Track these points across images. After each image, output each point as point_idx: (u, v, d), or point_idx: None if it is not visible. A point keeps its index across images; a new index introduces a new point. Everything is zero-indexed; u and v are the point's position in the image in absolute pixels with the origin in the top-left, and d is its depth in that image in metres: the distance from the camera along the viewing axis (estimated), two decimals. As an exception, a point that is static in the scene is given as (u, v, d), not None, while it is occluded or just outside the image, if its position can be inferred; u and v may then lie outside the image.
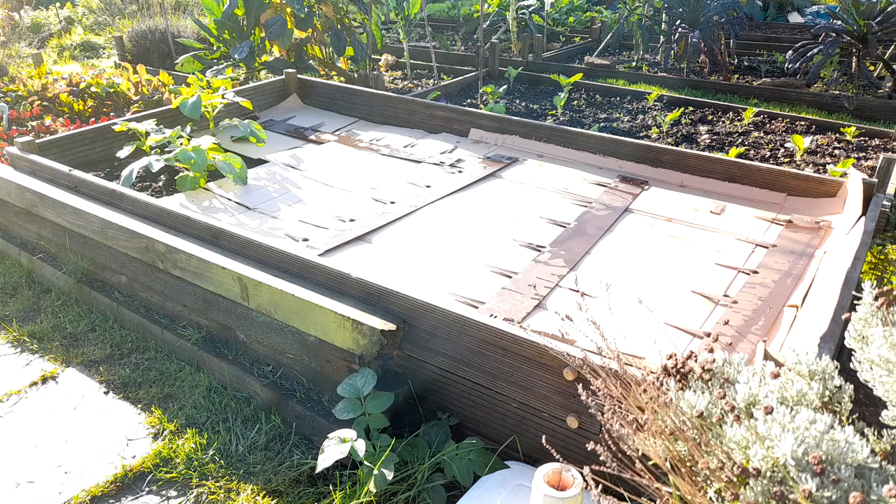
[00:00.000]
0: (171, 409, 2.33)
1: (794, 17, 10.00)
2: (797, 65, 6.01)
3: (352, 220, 3.05)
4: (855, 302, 1.66)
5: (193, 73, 5.44)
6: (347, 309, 2.07)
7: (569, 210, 3.13)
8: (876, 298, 1.25)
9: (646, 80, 6.70)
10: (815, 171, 3.93)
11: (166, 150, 3.48)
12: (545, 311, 2.34)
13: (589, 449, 1.25)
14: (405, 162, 3.78)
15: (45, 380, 2.51)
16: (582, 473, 1.29)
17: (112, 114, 5.00)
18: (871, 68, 6.38)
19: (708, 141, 4.88)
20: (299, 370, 2.29)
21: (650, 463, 1.20)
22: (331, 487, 1.96)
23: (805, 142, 4.47)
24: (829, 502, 1.00)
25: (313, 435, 2.15)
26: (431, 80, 6.77)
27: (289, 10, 5.69)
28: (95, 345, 2.68)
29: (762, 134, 5.05)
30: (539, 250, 2.76)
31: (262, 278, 2.25)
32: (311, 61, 6.21)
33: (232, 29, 5.73)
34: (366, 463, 1.87)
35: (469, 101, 6.00)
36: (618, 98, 6.10)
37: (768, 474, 1.06)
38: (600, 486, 1.20)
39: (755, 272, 2.57)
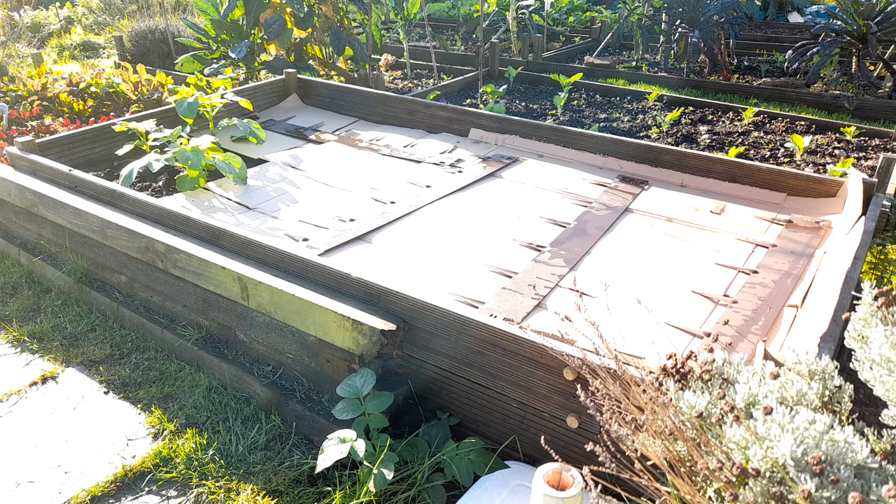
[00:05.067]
0: (171, 408, 2.33)
1: (794, 17, 10.01)
2: (797, 65, 6.01)
3: (352, 220, 3.05)
4: (855, 302, 1.66)
5: (193, 73, 5.44)
6: (347, 309, 2.07)
7: (569, 210, 3.14)
8: (875, 298, 1.25)
9: (646, 80, 6.70)
10: (815, 171, 3.93)
11: (166, 149, 3.48)
12: (545, 311, 2.34)
13: (588, 449, 1.26)
14: (405, 162, 3.79)
15: (45, 380, 2.51)
16: (582, 473, 1.29)
17: (112, 114, 5.00)
18: (871, 68, 6.38)
19: (708, 141, 4.88)
20: (299, 370, 2.29)
21: (649, 463, 1.21)
22: (331, 487, 1.96)
23: (805, 142, 4.47)
24: (828, 502, 1.00)
25: (313, 435, 2.15)
26: (431, 80, 6.77)
27: (288, 9, 5.69)
28: (95, 345, 2.68)
29: (762, 134, 5.05)
30: (539, 250, 2.76)
31: (262, 278, 2.25)
32: (310, 61, 6.21)
33: (231, 29, 5.73)
34: (365, 463, 1.87)
35: (469, 101, 6.00)
36: (618, 98, 6.10)
37: (767, 475, 1.06)
38: (599, 487, 1.20)
39: (755, 272, 2.57)
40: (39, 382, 2.50)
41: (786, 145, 4.76)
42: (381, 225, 2.99)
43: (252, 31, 5.76)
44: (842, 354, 1.70)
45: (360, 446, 1.87)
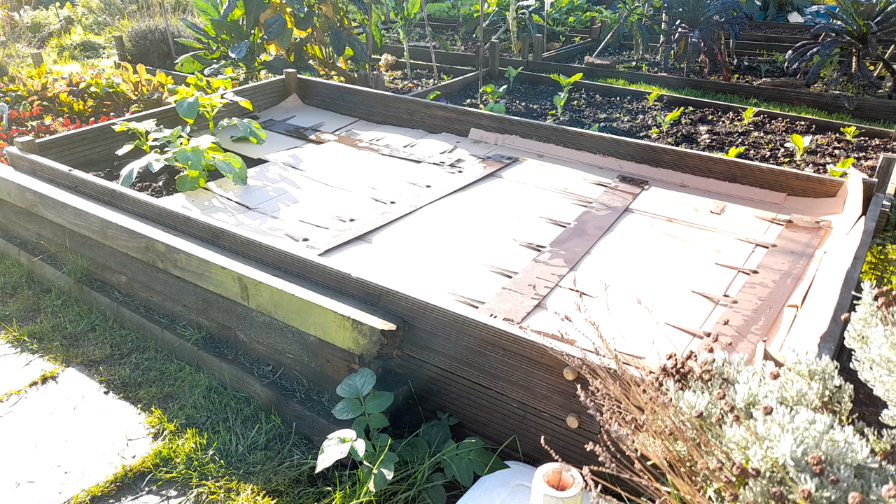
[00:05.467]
0: (171, 408, 2.33)
1: (794, 17, 10.01)
2: (797, 65, 6.01)
3: (352, 220, 3.05)
4: (855, 302, 1.66)
5: (193, 73, 5.44)
6: (347, 309, 2.07)
7: (569, 210, 3.14)
8: (875, 298, 1.25)
9: (646, 80, 6.70)
10: (815, 171, 3.93)
11: (166, 149, 3.48)
12: (545, 311, 2.34)
13: (588, 449, 1.26)
14: (405, 162, 3.79)
15: (45, 380, 2.51)
16: (582, 473, 1.29)
17: (112, 114, 5.00)
18: (871, 68, 6.38)
19: (708, 141, 4.88)
20: (299, 370, 2.29)
21: (649, 463, 1.21)
22: (331, 487, 1.96)
23: (805, 142, 4.47)
24: (828, 502, 1.00)
25: (313, 435, 2.15)
26: (431, 80, 6.77)
27: (288, 9, 5.69)
28: (95, 345, 2.68)
29: (762, 134, 5.05)
30: (539, 250, 2.76)
31: (262, 278, 2.25)
32: (310, 61, 6.21)
33: (231, 29, 5.73)
34: (365, 463, 1.87)
35: (469, 101, 6.00)
36: (618, 98, 6.10)
37: (767, 475, 1.06)
38: (599, 487, 1.20)
39: (755, 272, 2.57)
40: (39, 382, 2.50)
41: (786, 145, 4.76)
42: (381, 225, 2.99)
43: (252, 31, 5.76)
44: (842, 354, 1.70)
45: (360, 446, 1.87)
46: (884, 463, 1.07)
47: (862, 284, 1.30)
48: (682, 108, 5.58)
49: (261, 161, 3.81)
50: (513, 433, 1.95)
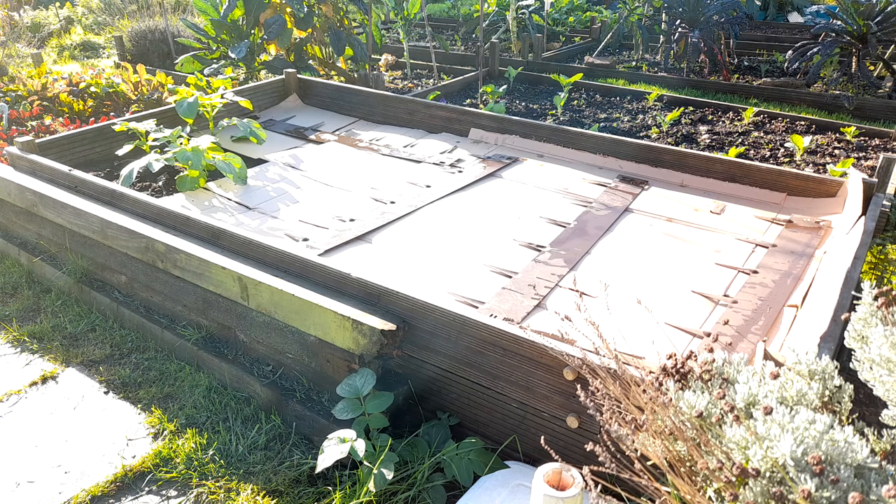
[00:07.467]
0: (171, 408, 2.33)
1: (794, 17, 10.00)
2: (797, 65, 6.01)
3: (352, 220, 3.05)
4: (855, 302, 1.66)
5: (193, 73, 5.44)
6: (347, 309, 2.07)
7: (569, 210, 3.14)
8: (875, 298, 1.25)
9: (646, 80, 6.70)
10: (815, 171, 3.93)
11: (166, 149, 3.48)
12: (545, 311, 2.34)
13: (588, 449, 1.26)
14: (405, 162, 3.79)
15: (45, 380, 2.51)
16: (582, 473, 1.29)
17: (112, 114, 5.00)
18: (871, 68, 6.38)
19: (708, 141, 4.88)
20: (299, 370, 2.29)
21: (649, 463, 1.21)
22: (331, 487, 1.96)
23: (805, 142, 4.47)
24: (828, 502, 1.00)
25: (313, 435, 2.15)
26: (431, 80, 6.77)
27: (288, 9, 5.69)
28: (95, 345, 2.68)
29: (762, 134, 5.05)
30: (539, 250, 2.76)
31: (262, 278, 2.25)
32: (310, 61, 6.21)
33: (231, 29, 5.73)
34: (365, 463, 1.87)
35: (469, 101, 6.00)
36: (618, 98, 6.10)
37: (767, 474, 1.06)
38: (599, 487, 1.20)
39: (755, 272, 2.57)
40: (39, 382, 2.50)
41: (786, 145, 4.76)
42: (381, 225, 2.99)
43: (252, 31, 5.76)
44: (842, 354, 1.70)
45: (360, 446, 1.87)
46: (884, 463, 1.07)
47: (862, 284, 1.30)
48: (682, 108, 5.58)
49: (261, 161, 3.81)
50: (513, 433, 1.95)
